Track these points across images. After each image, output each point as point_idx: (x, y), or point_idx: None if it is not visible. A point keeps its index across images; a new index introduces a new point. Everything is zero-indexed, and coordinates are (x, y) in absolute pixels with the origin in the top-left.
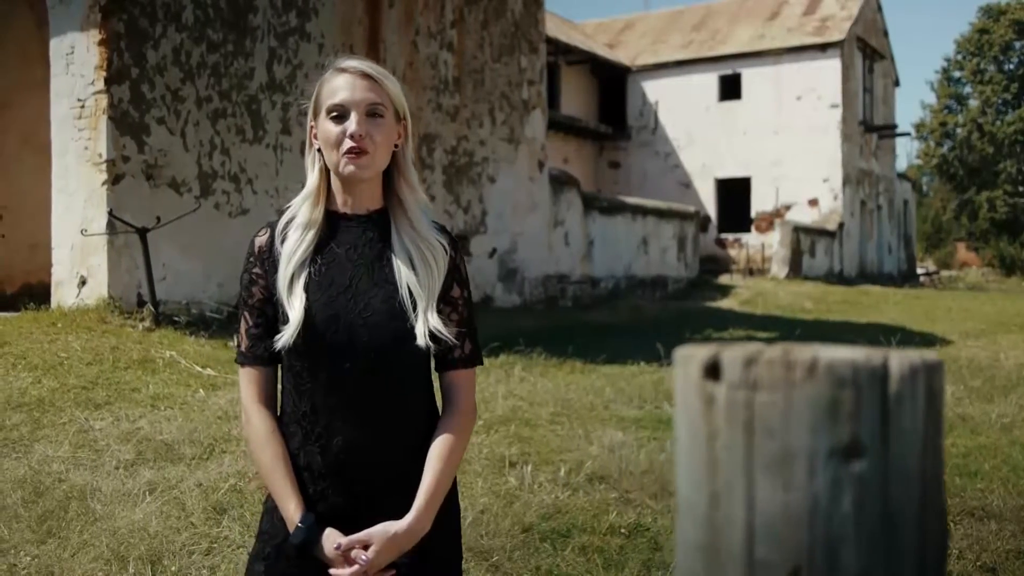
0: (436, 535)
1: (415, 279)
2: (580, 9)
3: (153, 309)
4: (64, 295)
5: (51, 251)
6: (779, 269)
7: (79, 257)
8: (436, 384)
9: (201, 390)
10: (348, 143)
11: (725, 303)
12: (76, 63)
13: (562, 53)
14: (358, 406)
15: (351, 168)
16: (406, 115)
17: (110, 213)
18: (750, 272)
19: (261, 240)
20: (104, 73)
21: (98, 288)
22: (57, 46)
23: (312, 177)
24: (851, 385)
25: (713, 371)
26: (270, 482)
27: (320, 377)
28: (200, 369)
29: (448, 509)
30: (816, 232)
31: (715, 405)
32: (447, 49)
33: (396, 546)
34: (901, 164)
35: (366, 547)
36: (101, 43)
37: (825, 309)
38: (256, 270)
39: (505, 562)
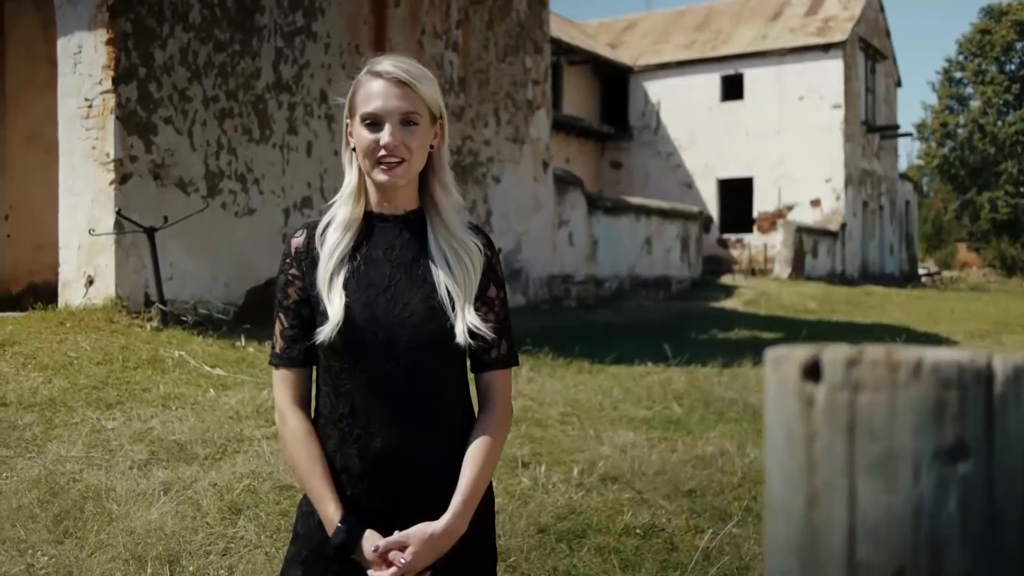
0: (472, 536)
1: (452, 280)
2: (582, 9)
3: (161, 309)
4: (71, 295)
5: (57, 251)
6: (782, 269)
7: (86, 257)
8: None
9: (212, 390)
10: (382, 152)
11: (729, 303)
12: (83, 63)
13: (564, 53)
14: (398, 407)
15: (385, 178)
16: (442, 114)
17: (118, 213)
18: (752, 272)
19: (298, 241)
20: (112, 73)
21: (105, 288)
22: (64, 45)
23: (351, 176)
24: (956, 386)
25: (813, 372)
26: (307, 484)
27: (359, 378)
28: (209, 369)
29: (484, 511)
30: (819, 232)
31: (814, 406)
32: (452, 49)
33: (434, 547)
34: (901, 164)
35: (404, 549)
36: (109, 43)
37: (829, 309)
38: (293, 271)
39: (522, 563)
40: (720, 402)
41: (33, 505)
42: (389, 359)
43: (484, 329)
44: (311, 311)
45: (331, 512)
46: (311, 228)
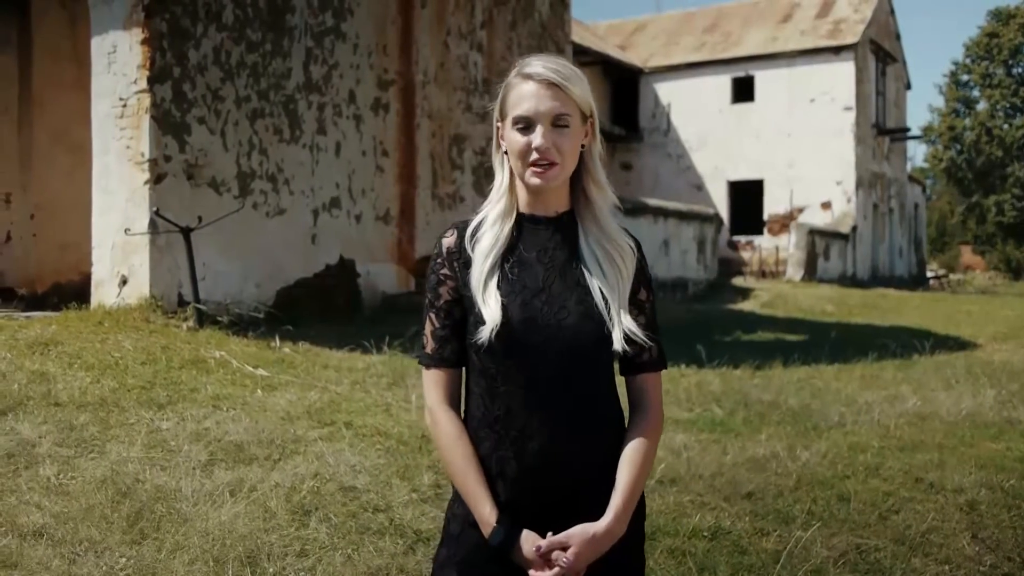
0: (625, 539)
1: (606, 282)
2: (590, 10)
3: (198, 309)
4: (104, 295)
5: (81, 250)
6: (794, 272)
7: (120, 256)
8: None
9: (259, 391)
10: (534, 155)
11: (746, 306)
12: (118, 62)
13: (574, 54)
14: (554, 409)
15: (538, 181)
16: (592, 113)
17: (156, 212)
18: (763, 275)
19: (449, 241)
20: (147, 72)
21: (139, 288)
22: (99, 45)
23: (502, 177)
24: None
25: None
26: (462, 484)
27: (515, 380)
28: (252, 369)
29: (636, 515)
30: (830, 235)
31: None
32: (477, 50)
33: (595, 547)
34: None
35: (565, 549)
36: (144, 42)
37: (846, 312)
38: (444, 271)
39: None
40: (759, 404)
41: (104, 506)
42: (545, 361)
43: (640, 335)
44: (462, 311)
45: (487, 512)
46: (461, 228)
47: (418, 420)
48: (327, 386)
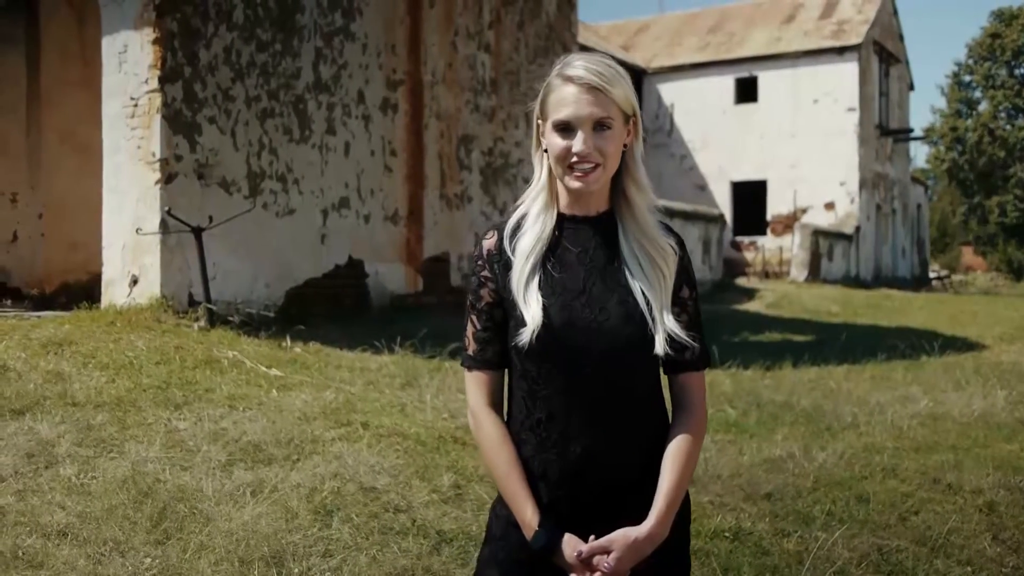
0: (669, 543)
1: (647, 283)
2: (593, 11)
3: (209, 309)
4: (115, 294)
5: (89, 250)
6: (798, 272)
7: (131, 256)
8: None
9: (274, 391)
10: (574, 159)
11: (752, 306)
12: (129, 62)
13: None
14: (596, 411)
15: (579, 184)
16: (635, 112)
17: (168, 212)
18: (766, 275)
19: (490, 243)
20: (158, 72)
21: (150, 287)
22: (109, 44)
23: (540, 173)
24: None
25: None
26: (505, 487)
27: (556, 383)
28: (265, 369)
29: (680, 517)
30: (834, 235)
31: None
32: (484, 50)
33: (637, 552)
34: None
35: (607, 553)
36: (155, 42)
37: (852, 313)
38: (485, 273)
39: None
40: (772, 405)
41: (126, 506)
42: (586, 363)
43: (683, 336)
44: (503, 313)
45: (529, 515)
46: (501, 229)
47: (434, 420)
48: (341, 386)
